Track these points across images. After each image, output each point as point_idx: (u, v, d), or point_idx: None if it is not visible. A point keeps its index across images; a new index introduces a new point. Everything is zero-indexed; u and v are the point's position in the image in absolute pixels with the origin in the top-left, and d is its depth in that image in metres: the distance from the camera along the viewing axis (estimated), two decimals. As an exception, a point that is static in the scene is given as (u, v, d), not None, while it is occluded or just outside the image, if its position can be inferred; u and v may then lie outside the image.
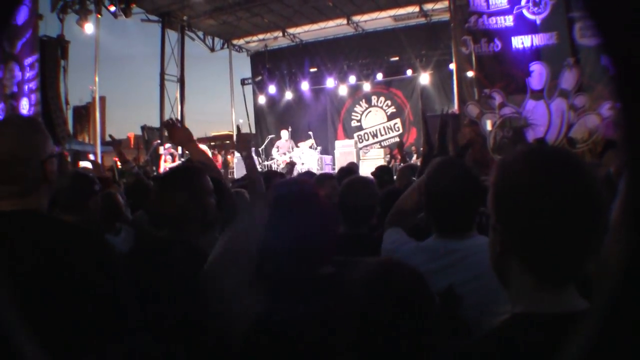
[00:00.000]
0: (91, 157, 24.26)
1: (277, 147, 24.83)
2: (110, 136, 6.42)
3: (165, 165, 22.83)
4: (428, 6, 28.06)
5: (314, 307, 2.59)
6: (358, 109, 31.87)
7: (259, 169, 22.45)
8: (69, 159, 19.89)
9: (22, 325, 0.91)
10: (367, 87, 30.64)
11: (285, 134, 24.97)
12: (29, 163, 2.41)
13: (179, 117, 30.54)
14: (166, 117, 29.99)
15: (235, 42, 34.75)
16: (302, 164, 24.06)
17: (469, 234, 3.29)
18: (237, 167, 25.76)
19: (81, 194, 4.69)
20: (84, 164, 19.48)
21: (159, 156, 23.94)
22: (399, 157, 24.81)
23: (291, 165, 15.94)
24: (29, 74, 21.47)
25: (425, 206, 3.43)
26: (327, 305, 2.51)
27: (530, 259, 1.65)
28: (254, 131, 34.58)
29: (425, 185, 3.41)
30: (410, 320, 2.13)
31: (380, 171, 9.23)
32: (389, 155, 26.28)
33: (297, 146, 25.13)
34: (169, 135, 5.03)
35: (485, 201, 1.78)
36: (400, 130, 30.64)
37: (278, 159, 24.28)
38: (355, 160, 22.94)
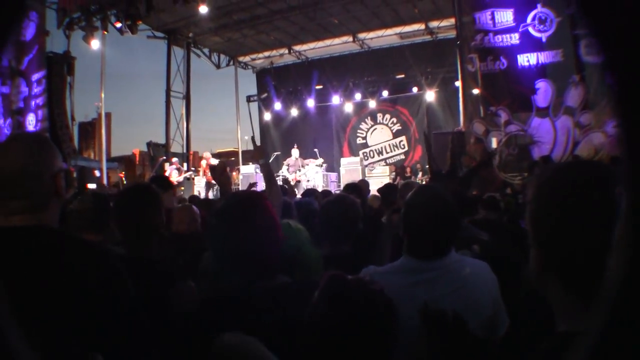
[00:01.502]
0: (97, 173, 24.30)
1: (288, 165, 24.79)
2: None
3: (172, 179, 22.83)
4: (434, 24, 28.15)
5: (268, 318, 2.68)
6: (363, 126, 31.83)
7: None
8: (74, 175, 19.95)
9: (23, 341, 0.90)
10: (372, 104, 30.59)
11: (295, 152, 24.92)
12: (40, 178, 2.42)
13: (185, 134, 30.74)
14: (172, 133, 30.21)
15: (241, 59, 34.88)
16: (308, 181, 24.06)
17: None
18: (242, 183, 25.78)
19: (104, 214, 4.80)
20: (91, 186, 19.58)
21: (163, 172, 23.99)
22: (404, 175, 24.91)
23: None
24: (36, 90, 21.58)
25: (404, 232, 3.41)
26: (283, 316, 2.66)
27: (571, 278, 1.59)
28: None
29: (403, 212, 3.44)
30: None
31: (387, 189, 9.22)
32: (394, 173, 26.29)
33: (307, 164, 25.07)
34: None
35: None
36: (406, 148, 30.60)
37: (288, 177, 24.26)
38: (360, 178, 22.91)
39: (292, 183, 23.20)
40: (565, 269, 1.60)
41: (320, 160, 25.40)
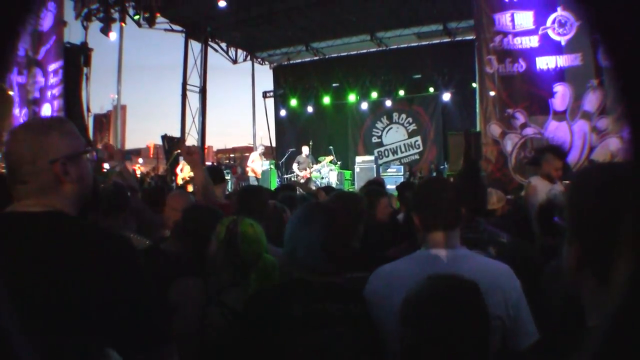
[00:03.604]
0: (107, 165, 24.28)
1: (298, 162, 24.85)
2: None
3: (182, 175, 22.81)
4: (452, 24, 28.12)
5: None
6: (379, 125, 31.84)
7: (278, 182, 22.54)
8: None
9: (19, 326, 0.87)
10: (388, 103, 30.66)
11: (305, 149, 24.96)
12: (33, 163, 2.41)
13: (200, 128, 30.91)
14: (187, 127, 30.33)
15: (258, 54, 34.96)
16: (322, 178, 24.13)
17: (454, 244, 3.51)
18: (255, 178, 25.78)
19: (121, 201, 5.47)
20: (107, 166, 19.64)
21: (176, 166, 24.03)
22: (418, 174, 24.91)
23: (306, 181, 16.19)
24: (52, 80, 21.68)
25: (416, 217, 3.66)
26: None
27: (606, 275, 1.57)
28: (274, 144, 34.78)
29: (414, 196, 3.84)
30: None
31: (402, 188, 9.27)
32: (408, 172, 26.29)
33: (318, 161, 25.15)
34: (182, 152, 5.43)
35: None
36: (421, 148, 30.62)
37: (299, 174, 24.33)
38: (375, 176, 22.98)
39: (302, 180, 23.31)
40: (600, 266, 1.62)
41: (330, 158, 25.40)
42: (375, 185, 8.60)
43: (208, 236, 4.18)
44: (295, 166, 24.98)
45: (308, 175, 23.85)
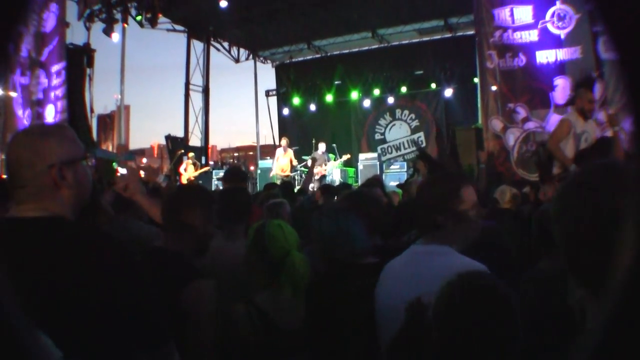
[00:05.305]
0: (115, 165, 24.32)
1: (314, 159, 24.57)
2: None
3: (187, 174, 22.84)
4: (453, 20, 28.08)
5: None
6: (382, 121, 31.72)
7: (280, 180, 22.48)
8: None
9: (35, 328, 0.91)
10: (391, 100, 30.56)
11: (322, 146, 24.64)
12: (32, 167, 2.45)
13: (203, 128, 30.93)
14: (191, 127, 30.35)
15: (260, 53, 34.92)
16: (327, 176, 24.00)
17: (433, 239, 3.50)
18: (259, 177, 25.75)
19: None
20: (122, 170, 19.71)
21: (179, 165, 24.02)
22: (423, 170, 24.84)
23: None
24: (55, 81, 21.69)
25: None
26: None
27: (587, 279, 1.61)
28: (277, 142, 34.75)
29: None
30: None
31: (407, 184, 9.32)
32: (412, 169, 26.18)
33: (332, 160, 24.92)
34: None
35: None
36: (424, 144, 30.49)
37: (308, 165, 24.11)
38: (377, 173, 22.95)
39: (317, 177, 23.08)
40: (580, 273, 1.63)
41: (347, 156, 25.17)
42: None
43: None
44: (310, 162, 24.70)
45: (323, 172, 23.65)
